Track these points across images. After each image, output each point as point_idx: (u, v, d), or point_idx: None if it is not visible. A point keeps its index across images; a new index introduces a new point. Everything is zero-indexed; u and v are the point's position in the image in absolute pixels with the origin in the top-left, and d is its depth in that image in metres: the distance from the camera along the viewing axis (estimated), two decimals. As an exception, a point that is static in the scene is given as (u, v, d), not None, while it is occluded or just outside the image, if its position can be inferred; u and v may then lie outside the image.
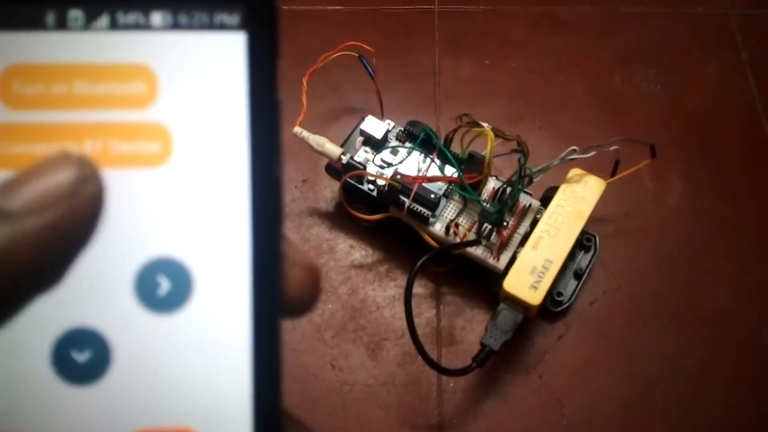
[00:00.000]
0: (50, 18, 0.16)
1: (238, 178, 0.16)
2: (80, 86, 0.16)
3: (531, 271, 0.39)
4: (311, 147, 0.42)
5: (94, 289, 0.16)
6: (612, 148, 0.41)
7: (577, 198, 0.41)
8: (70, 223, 0.15)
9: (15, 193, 0.14)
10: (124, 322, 0.16)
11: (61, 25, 0.16)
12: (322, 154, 0.42)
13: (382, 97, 0.45)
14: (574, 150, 0.41)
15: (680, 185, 0.50)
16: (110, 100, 0.16)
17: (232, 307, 0.16)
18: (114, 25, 0.16)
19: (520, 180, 0.40)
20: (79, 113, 0.16)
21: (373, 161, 0.43)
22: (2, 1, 0.16)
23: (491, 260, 0.41)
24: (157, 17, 0.16)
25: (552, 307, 0.42)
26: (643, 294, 0.46)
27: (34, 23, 0.16)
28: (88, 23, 0.16)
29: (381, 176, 0.41)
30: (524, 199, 0.42)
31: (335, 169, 0.43)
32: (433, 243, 0.41)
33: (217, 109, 0.16)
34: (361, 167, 0.42)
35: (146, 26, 0.16)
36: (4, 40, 0.16)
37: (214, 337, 0.16)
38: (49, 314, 0.16)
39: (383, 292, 0.45)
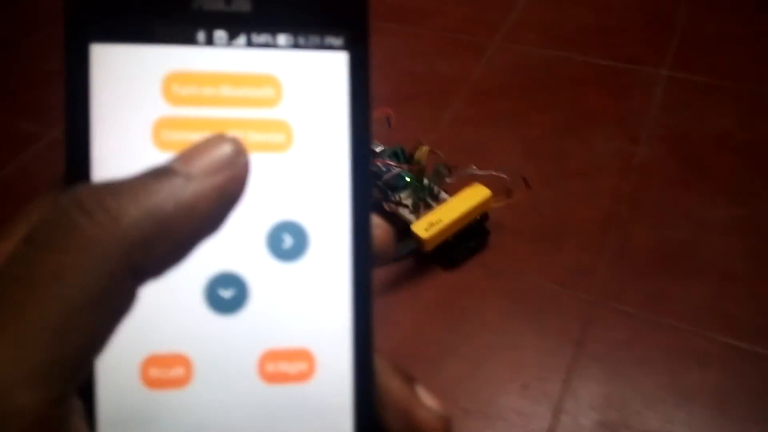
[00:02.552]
0: (200, 36, 0.19)
1: (341, 161, 0.20)
2: (224, 89, 0.19)
3: (428, 224, 0.67)
4: None
5: (237, 243, 0.19)
6: (501, 175, 0.70)
7: (468, 197, 0.69)
8: (232, 185, 0.18)
9: (192, 162, 0.17)
10: (259, 268, 0.19)
11: (209, 42, 0.19)
12: None
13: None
14: (473, 167, 0.71)
15: None
16: (247, 101, 0.20)
17: (337, 257, 0.20)
18: (249, 43, 0.19)
19: (435, 177, 0.71)
20: (224, 110, 0.19)
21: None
22: (167, 22, 0.19)
23: (412, 217, 0.70)
24: (282, 38, 0.20)
25: (447, 264, 0.71)
26: None
27: (189, 40, 0.19)
28: (230, 41, 0.19)
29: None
30: (444, 196, 0.71)
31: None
32: (388, 208, 0.72)
33: (326, 109, 0.20)
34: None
35: (274, 45, 0.20)
36: (167, 52, 0.19)
37: (324, 280, 0.20)
38: (204, 261, 0.19)
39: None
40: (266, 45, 0.20)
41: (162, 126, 0.19)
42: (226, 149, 0.18)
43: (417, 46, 1.01)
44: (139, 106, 0.19)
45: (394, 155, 0.73)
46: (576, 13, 1.06)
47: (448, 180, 0.71)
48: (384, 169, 0.72)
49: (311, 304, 0.20)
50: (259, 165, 0.19)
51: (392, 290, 0.68)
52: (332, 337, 0.20)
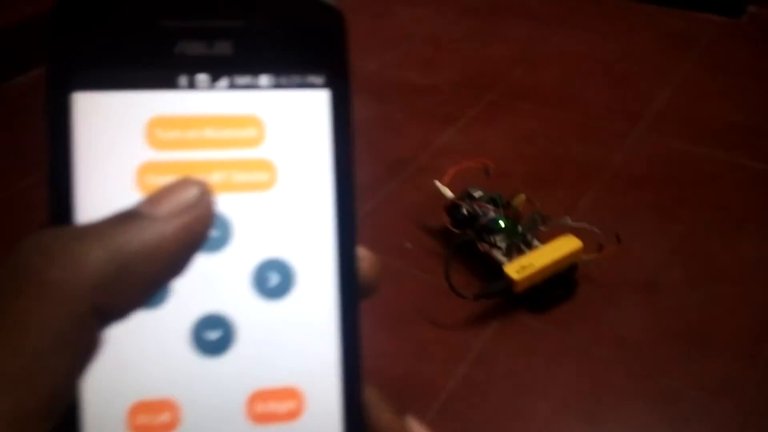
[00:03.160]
0: (183, 80, 0.19)
1: (325, 197, 0.20)
2: (207, 132, 0.19)
3: (520, 267, 0.71)
4: (440, 191, 0.80)
5: (223, 283, 0.19)
6: (593, 229, 0.74)
7: (560, 246, 0.72)
8: (196, 226, 0.18)
9: (158, 204, 0.18)
10: (245, 308, 0.19)
11: (192, 85, 0.19)
12: (443, 195, 0.80)
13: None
14: (567, 218, 0.75)
15: None
16: (230, 142, 0.20)
17: (323, 294, 0.20)
18: (232, 86, 0.20)
19: (530, 224, 0.75)
20: (208, 152, 0.19)
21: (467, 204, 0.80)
22: (149, 68, 0.19)
23: (504, 259, 0.74)
24: (263, 79, 0.20)
25: (536, 308, 0.74)
26: None
27: (172, 84, 0.19)
28: (212, 84, 0.19)
29: (465, 205, 0.79)
30: (536, 243, 0.75)
31: (447, 206, 0.81)
32: (482, 249, 0.76)
33: (309, 147, 0.20)
34: (458, 201, 0.79)
35: (256, 86, 0.20)
36: (149, 97, 0.19)
37: (311, 317, 0.20)
38: (189, 303, 0.19)
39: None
40: (248, 86, 0.20)
41: (146, 171, 0.19)
42: (192, 191, 0.18)
43: (555, 129, 1.01)
44: (122, 152, 0.19)
45: (492, 201, 0.78)
46: (721, 109, 1.04)
47: (541, 228, 0.75)
48: (481, 212, 0.77)
49: (298, 342, 0.20)
50: (243, 204, 0.20)
51: (525, 377, 0.66)
52: (320, 374, 0.20)
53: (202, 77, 0.19)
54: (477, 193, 0.79)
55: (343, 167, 0.20)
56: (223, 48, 0.19)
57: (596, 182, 0.91)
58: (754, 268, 0.77)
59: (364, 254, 0.21)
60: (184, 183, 0.18)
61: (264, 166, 0.20)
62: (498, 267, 0.73)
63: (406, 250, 0.81)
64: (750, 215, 0.84)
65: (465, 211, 0.78)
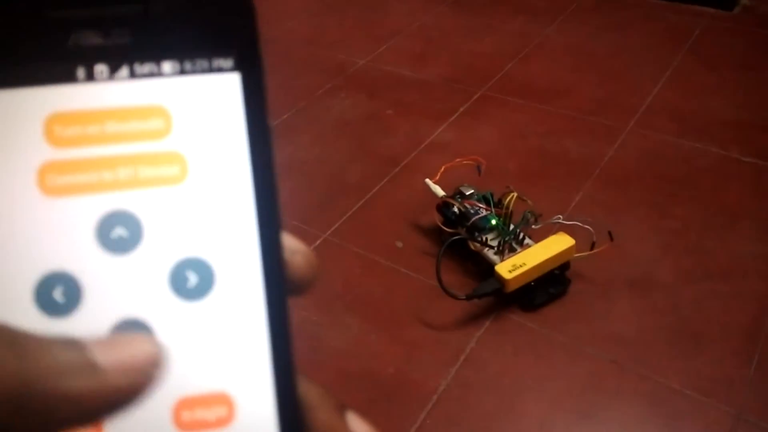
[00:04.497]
0: (80, 73, 0.18)
1: (243, 189, 0.19)
2: (110, 126, 0.18)
3: (512, 266, 0.70)
4: (431, 189, 0.80)
5: (139, 286, 0.18)
6: (586, 227, 0.73)
7: (552, 244, 0.72)
8: (133, 393, 0.16)
9: (110, 351, 0.16)
10: (164, 311, 0.19)
11: (90, 77, 0.18)
12: (435, 193, 0.80)
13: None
14: (559, 217, 0.75)
15: None
16: (135, 135, 0.19)
17: (247, 291, 0.19)
18: (132, 75, 0.19)
19: (522, 223, 0.74)
20: (111, 147, 0.19)
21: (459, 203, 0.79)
22: (43, 62, 0.18)
23: (496, 258, 0.74)
24: (167, 66, 0.19)
25: (528, 306, 0.73)
26: None
27: (68, 78, 0.18)
28: (112, 75, 0.18)
29: (457, 204, 0.78)
30: (528, 241, 0.75)
31: (439, 204, 0.80)
32: (473, 247, 0.76)
33: (221, 135, 0.19)
34: (450, 200, 0.79)
35: (159, 73, 0.19)
36: (44, 93, 0.18)
37: (236, 317, 0.19)
38: (105, 307, 0.18)
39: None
40: (150, 74, 0.19)
41: (47, 171, 0.18)
42: (147, 349, 0.16)
43: (547, 125, 1.01)
44: (21, 152, 0.18)
45: (484, 199, 0.77)
46: (713, 105, 1.03)
47: (534, 226, 0.75)
48: (472, 210, 0.76)
49: (225, 344, 0.19)
50: (153, 200, 0.19)
51: (517, 377, 0.66)
52: (250, 377, 0.19)
53: (100, 68, 0.18)
54: (468, 191, 0.79)
55: (261, 154, 0.19)
56: (121, 36, 0.18)
57: (588, 178, 0.90)
58: (748, 264, 0.76)
59: (297, 247, 0.20)
60: (141, 338, 0.17)
61: (173, 158, 0.19)
62: (490, 266, 0.72)
63: (397, 249, 0.80)
64: (743, 211, 0.84)
65: (456, 210, 0.77)
